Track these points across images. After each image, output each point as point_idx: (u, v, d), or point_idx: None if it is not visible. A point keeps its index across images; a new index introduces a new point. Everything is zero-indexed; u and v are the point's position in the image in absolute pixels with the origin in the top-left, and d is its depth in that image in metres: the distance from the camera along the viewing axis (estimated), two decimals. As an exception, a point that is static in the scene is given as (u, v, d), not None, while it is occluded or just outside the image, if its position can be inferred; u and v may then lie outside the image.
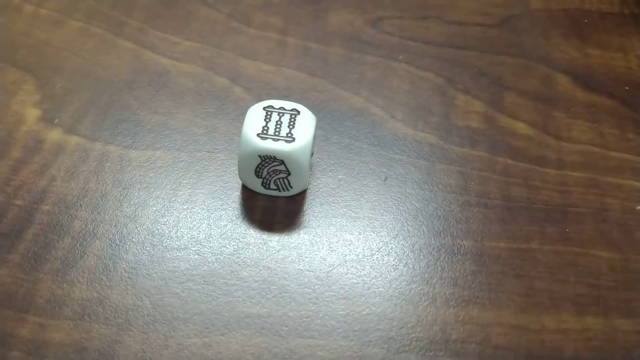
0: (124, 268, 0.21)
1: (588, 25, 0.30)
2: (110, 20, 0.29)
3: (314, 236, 0.22)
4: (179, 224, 0.22)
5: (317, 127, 0.24)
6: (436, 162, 0.24)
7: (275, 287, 0.21)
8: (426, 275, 0.21)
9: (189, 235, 0.22)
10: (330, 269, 0.21)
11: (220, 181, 0.23)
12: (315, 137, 0.22)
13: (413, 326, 0.20)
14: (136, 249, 0.21)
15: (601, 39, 0.29)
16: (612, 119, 0.26)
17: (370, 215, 0.23)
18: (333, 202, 0.23)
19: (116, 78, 0.26)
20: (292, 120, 0.22)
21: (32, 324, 0.20)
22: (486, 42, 0.29)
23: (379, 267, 0.21)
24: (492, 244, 0.22)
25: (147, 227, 0.22)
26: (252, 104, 0.23)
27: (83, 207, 0.22)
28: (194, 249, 0.21)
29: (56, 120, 0.25)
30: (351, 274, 0.21)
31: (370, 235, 0.22)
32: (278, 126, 0.21)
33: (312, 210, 0.23)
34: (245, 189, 0.23)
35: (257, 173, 0.22)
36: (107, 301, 0.20)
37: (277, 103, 0.22)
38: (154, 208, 0.22)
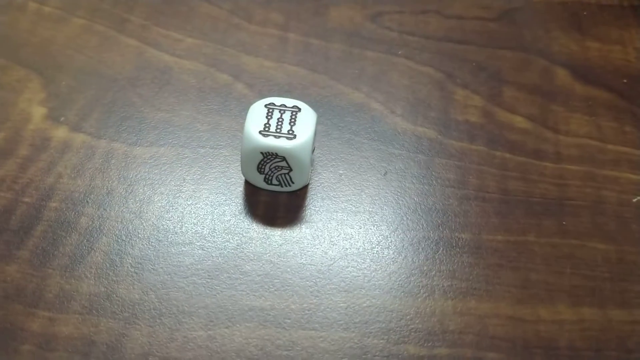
0: (130, 263, 0.21)
1: (587, 17, 0.30)
2: (112, 18, 0.29)
3: (315, 230, 0.22)
4: (183, 219, 0.22)
5: (318, 122, 0.24)
6: (435, 157, 0.24)
7: (277, 280, 0.21)
8: (425, 268, 0.22)
9: (194, 230, 0.22)
10: (332, 262, 0.22)
11: (223, 177, 0.24)
12: (316, 133, 0.23)
13: (412, 318, 0.21)
14: (142, 244, 0.22)
15: (600, 31, 0.29)
16: (610, 112, 0.26)
17: (370, 209, 0.23)
18: (334, 197, 0.23)
19: (120, 75, 0.27)
20: (293, 117, 0.22)
21: (41, 318, 0.20)
22: (485, 36, 0.29)
23: (378, 260, 0.22)
24: (490, 236, 0.22)
25: (153, 222, 0.22)
26: (254, 101, 0.23)
27: (89, 204, 0.23)
28: (199, 243, 0.22)
29: (62, 119, 0.25)
30: (352, 267, 0.22)
31: (371, 229, 0.22)
32: (279, 123, 0.22)
33: (314, 205, 0.23)
34: (248, 185, 0.23)
35: (260, 169, 0.22)
36: (114, 296, 0.21)
37: (278, 100, 0.22)
38: (159, 204, 0.23)
